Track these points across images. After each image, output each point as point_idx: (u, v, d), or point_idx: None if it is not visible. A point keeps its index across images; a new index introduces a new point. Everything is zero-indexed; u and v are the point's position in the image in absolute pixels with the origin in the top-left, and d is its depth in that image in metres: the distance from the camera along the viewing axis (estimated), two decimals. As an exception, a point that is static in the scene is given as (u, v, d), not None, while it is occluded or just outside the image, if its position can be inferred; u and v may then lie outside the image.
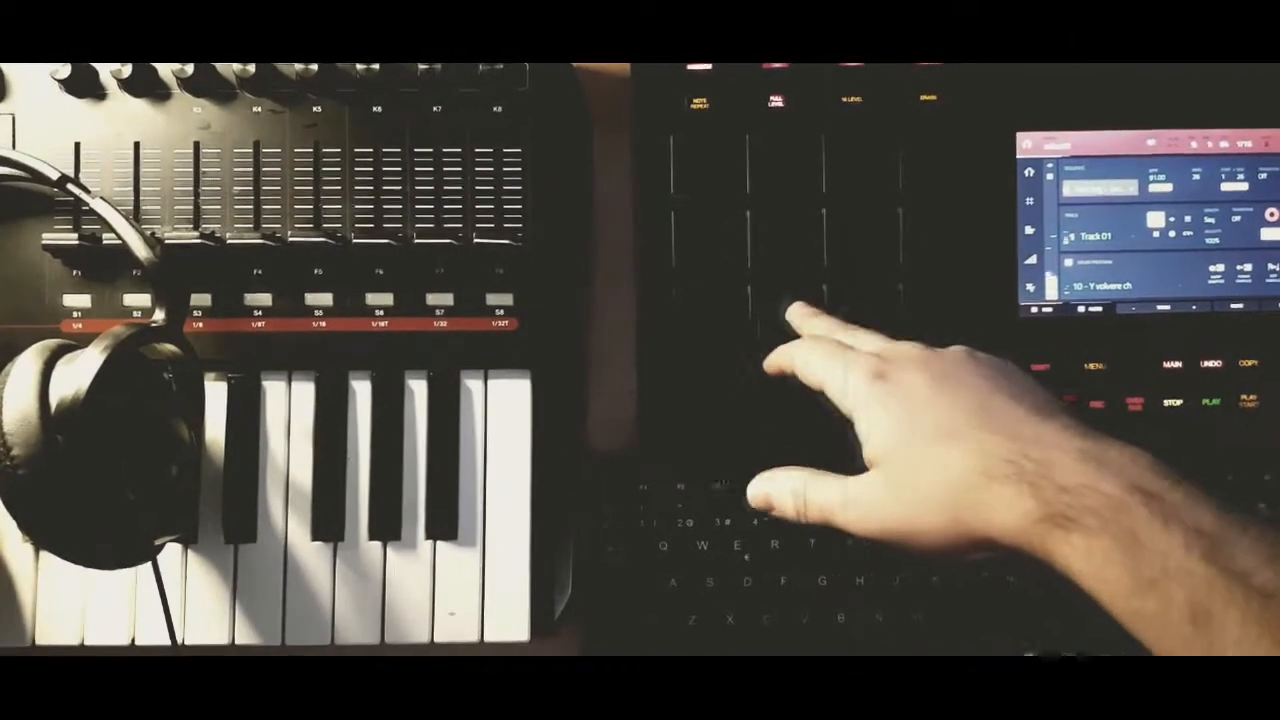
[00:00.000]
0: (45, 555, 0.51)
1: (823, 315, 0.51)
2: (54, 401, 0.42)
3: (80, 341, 0.45)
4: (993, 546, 0.38)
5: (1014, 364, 0.44)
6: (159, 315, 0.47)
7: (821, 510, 0.43)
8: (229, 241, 0.51)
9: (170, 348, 0.47)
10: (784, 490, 0.44)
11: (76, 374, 0.42)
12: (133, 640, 0.51)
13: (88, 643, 0.51)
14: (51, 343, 0.45)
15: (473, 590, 0.52)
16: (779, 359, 0.49)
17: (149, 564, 0.49)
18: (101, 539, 0.43)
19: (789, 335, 0.53)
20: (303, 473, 0.52)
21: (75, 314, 0.52)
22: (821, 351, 0.46)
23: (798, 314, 0.53)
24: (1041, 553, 0.36)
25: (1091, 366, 0.54)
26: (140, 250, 0.47)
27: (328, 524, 0.52)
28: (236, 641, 0.51)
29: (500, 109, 0.52)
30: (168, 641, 0.50)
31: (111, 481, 0.43)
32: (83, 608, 0.51)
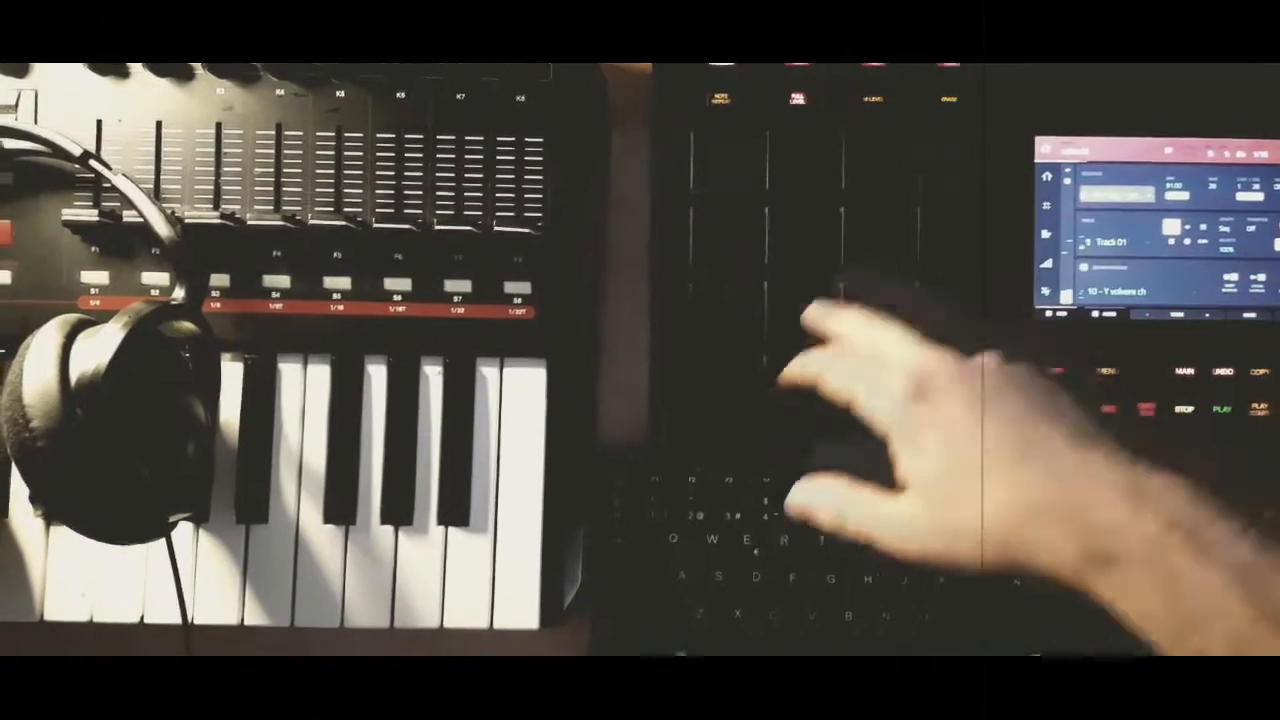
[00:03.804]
0: (56, 531, 0.51)
1: (843, 307, 0.48)
2: (74, 375, 0.42)
3: (98, 318, 0.45)
4: (1035, 576, 0.39)
5: (1048, 375, 0.43)
6: (179, 293, 0.47)
7: (859, 529, 0.43)
8: (249, 222, 0.51)
9: (189, 326, 0.47)
10: (822, 504, 0.44)
11: (97, 348, 0.42)
12: (141, 618, 0.51)
13: (96, 619, 0.51)
14: (71, 317, 0.45)
15: (483, 577, 0.52)
16: (801, 371, 0.47)
17: (159, 542, 0.49)
18: (117, 514, 0.43)
19: (802, 336, 0.54)
20: (316, 455, 0.52)
21: (93, 290, 0.52)
22: (850, 363, 0.45)
23: (818, 312, 0.49)
24: (1084, 588, 0.37)
25: (1105, 371, 0.55)
26: (161, 228, 0.47)
27: (340, 507, 0.52)
28: (246, 622, 0.51)
29: (523, 98, 0.53)
30: (176, 620, 0.50)
31: (129, 457, 0.43)
32: (92, 584, 0.51)
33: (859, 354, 0.45)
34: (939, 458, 0.41)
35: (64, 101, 0.52)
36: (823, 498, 0.44)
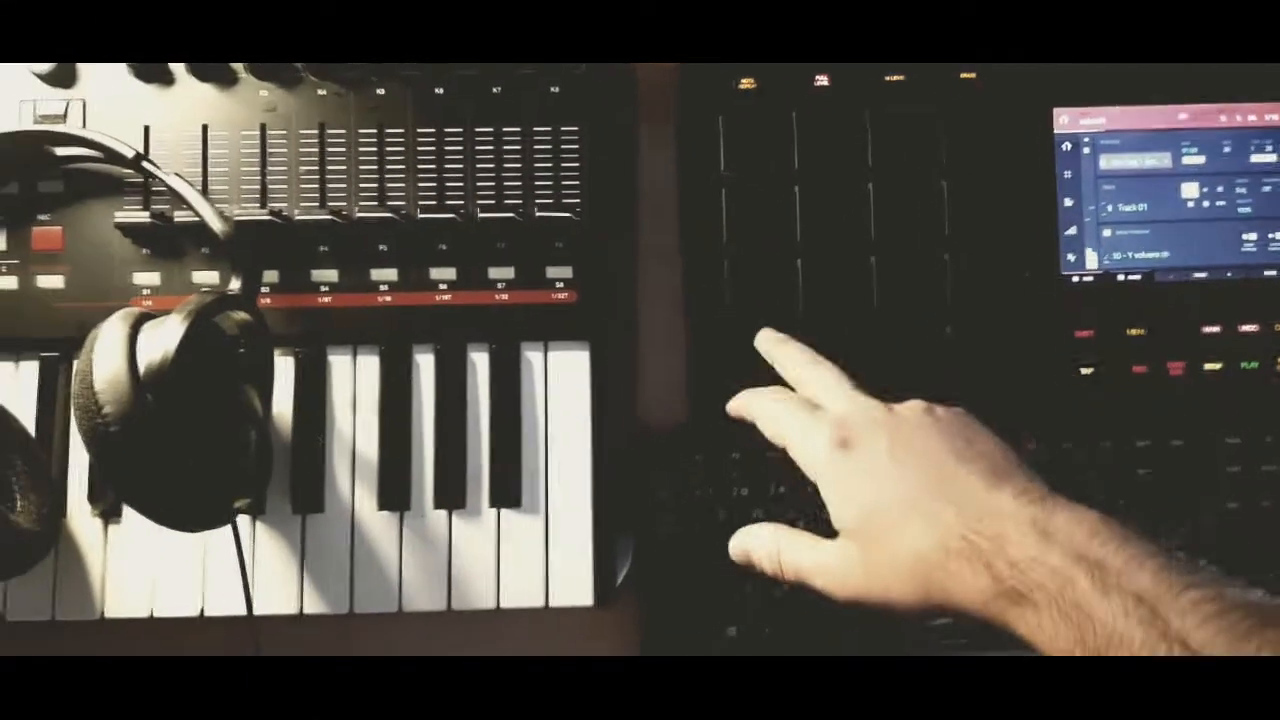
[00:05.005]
0: (114, 529, 0.52)
1: (790, 342, 0.52)
2: (142, 363, 0.43)
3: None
4: (959, 614, 0.40)
5: (970, 418, 0.45)
6: (235, 284, 0.48)
7: (797, 573, 0.45)
8: (296, 218, 0.52)
9: (244, 316, 0.48)
10: (762, 550, 0.47)
11: (163, 336, 0.43)
12: (202, 611, 0.51)
13: (157, 614, 0.51)
14: (134, 310, 0.46)
15: (537, 557, 0.52)
16: (741, 406, 0.50)
17: (217, 535, 0.50)
18: (186, 499, 0.44)
19: (835, 313, 0.55)
20: (369, 444, 0.53)
21: (145, 291, 0.53)
22: (783, 411, 0.47)
23: (766, 340, 0.53)
24: (1001, 623, 0.39)
25: (1133, 332, 0.56)
26: (215, 223, 0.48)
27: (394, 494, 0.53)
28: (305, 611, 0.52)
29: (557, 89, 0.54)
30: (236, 612, 0.51)
31: (198, 442, 0.44)
32: (152, 579, 0.52)
33: (793, 400, 0.48)
34: (861, 503, 0.43)
35: (111, 110, 0.53)
36: (759, 543, 0.47)
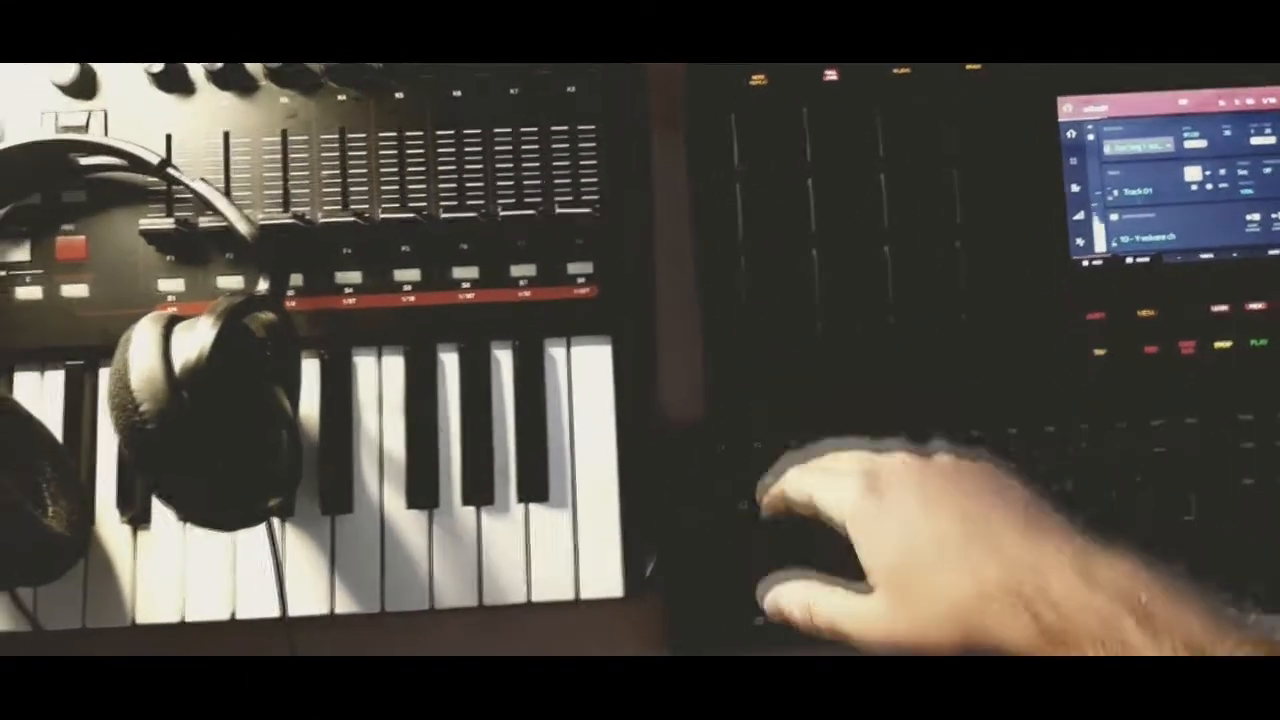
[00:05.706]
0: (144, 535, 0.52)
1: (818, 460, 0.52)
2: (177, 361, 0.43)
3: (183, 319, 0.46)
4: (997, 653, 0.40)
5: (997, 469, 0.45)
6: (263, 285, 0.48)
7: (830, 624, 0.44)
8: (319, 222, 0.53)
9: (272, 318, 0.49)
10: (793, 603, 0.46)
11: (197, 335, 0.43)
12: (233, 614, 0.52)
13: (188, 619, 0.51)
14: (164, 313, 0.46)
15: (565, 550, 0.53)
16: (773, 494, 0.50)
17: (245, 538, 0.51)
18: (224, 497, 0.44)
19: (851, 302, 0.56)
20: (396, 444, 0.53)
21: (170, 297, 0.53)
22: (810, 471, 0.48)
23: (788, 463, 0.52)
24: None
25: (1144, 314, 0.57)
26: (241, 225, 0.49)
27: (422, 492, 0.53)
28: (337, 611, 0.52)
29: (573, 89, 0.55)
30: (267, 614, 0.51)
31: (233, 440, 0.44)
32: (182, 584, 0.52)
33: (817, 464, 0.49)
34: (895, 551, 0.42)
35: (132, 119, 0.54)
36: (791, 595, 0.47)
